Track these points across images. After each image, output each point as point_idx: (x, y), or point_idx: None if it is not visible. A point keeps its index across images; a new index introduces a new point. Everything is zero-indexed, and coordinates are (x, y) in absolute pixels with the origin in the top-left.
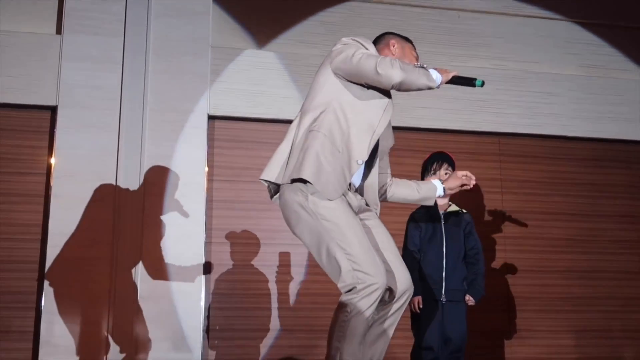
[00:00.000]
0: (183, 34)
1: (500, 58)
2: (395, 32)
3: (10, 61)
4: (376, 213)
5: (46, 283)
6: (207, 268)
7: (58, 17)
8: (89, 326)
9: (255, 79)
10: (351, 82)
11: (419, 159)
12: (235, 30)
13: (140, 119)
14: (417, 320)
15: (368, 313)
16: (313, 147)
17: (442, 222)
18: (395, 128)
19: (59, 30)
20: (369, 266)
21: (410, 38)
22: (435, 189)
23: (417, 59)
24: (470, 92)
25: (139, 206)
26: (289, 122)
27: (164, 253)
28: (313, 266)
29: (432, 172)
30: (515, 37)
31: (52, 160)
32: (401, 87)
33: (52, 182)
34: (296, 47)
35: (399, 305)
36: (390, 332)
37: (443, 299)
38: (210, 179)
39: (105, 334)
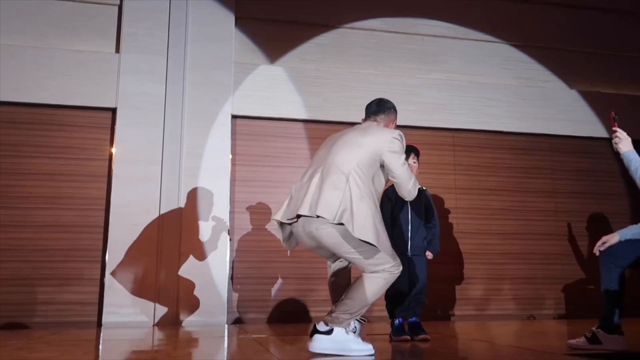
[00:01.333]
0: (212, 53)
1: (453, 72)
2: (394, 105)
3: (81, 73)
4: None
5: (109, 242)
6: (231, 231)
7: (117, 40)
8: (142, 275)
9: (267, 87)
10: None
11: None
12: (252, 50)
13: (180, 118)
14: None
15: (387, 286)
16: (370, 217)
17: None
18: None
19: (117, 50)
20: (396, 259)
21: (384, 57)
22: None
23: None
24: (430, 98)
25: (179, 184)
26: (294, 120)
27: (198, 220)
28: None
29: None
30: (465, 56)
31: (113, 149)
32: None
33: (113, 166)
34: (298, 63)
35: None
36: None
37: (409, 253)
38: (233, 164)
39: (154, 281)
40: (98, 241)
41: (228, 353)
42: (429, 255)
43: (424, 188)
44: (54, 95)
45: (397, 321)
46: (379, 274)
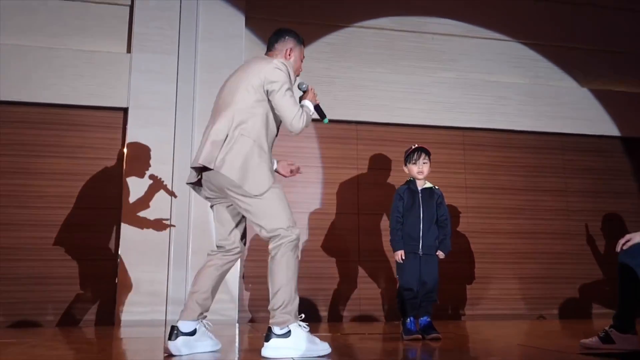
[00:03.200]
0: (222, 52)
1: (464, 70)
2: (295, 31)
3: (92, 74)
4: None
5: (121, 240)
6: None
7: (128, 40)
8: (153, 272)
9: None
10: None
11: (401, 147)
12: (262, 50)
13: (190, 117)
14: (401, 268)
15: (295, 256)
16: (242, 154)
17: (420, 195)
18: (381, 124)
19: (128, 50)
20: (294, 222)
21: (394, 56)
22: None
23: (302, 60)
24: (441, 97)
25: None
26: None
27: (209, 217)
28: (316, 228)
29: (413, 160)
30: (476, 54)
31: (125, 149)
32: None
33: (125, 165)
34: (308, 62)
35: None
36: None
37: (420, 252)
38: None
39: (166, 278)
40: (111, 240)
41: (240, 352)
42: (441, 254)
43: (436, 187)
44: (66, 95)
45: (408, 320)
46: (279, 247)
